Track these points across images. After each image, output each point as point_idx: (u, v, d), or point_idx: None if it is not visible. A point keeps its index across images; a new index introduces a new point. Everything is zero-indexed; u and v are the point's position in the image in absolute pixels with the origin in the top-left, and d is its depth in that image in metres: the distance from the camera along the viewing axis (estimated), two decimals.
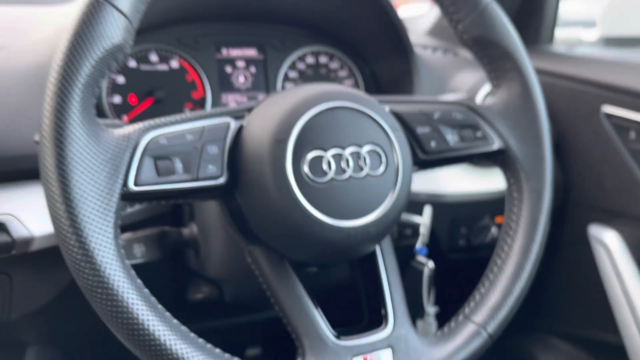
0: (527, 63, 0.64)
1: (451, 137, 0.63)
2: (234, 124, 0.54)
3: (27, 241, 0.68)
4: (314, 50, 0.98)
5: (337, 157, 0.52)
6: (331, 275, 0.71)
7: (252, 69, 0.95)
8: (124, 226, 0.67)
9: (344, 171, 0.52)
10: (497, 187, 0.96)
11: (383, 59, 0.98)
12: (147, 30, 0.86)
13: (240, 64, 0.94)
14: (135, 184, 0.48)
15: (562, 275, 1.07)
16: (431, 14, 1.25)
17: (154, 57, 0.88)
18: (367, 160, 0.54)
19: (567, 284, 1.08)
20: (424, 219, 0.85)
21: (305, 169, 0.51)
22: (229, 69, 0.93)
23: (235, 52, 0.93)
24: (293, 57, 0.96)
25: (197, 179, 0.51)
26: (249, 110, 0.56)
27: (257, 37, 0.94)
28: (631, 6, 1.11)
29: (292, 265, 0.58)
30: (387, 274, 0.61)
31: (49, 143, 0.46)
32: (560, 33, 1.15)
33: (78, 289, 0.78)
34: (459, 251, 1.02)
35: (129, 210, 0.73)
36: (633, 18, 1.11)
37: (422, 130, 0.62)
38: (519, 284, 0.61)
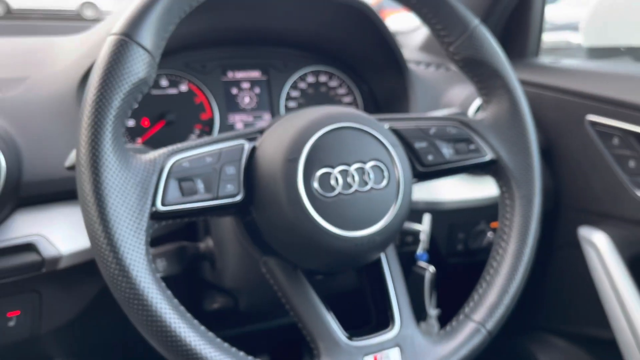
0: (514, 80, 0.70)
1: (446, 151, 0.68)
2: (247, 146, 0.59)
3: (56, 260, 0.73)
4: (314, 70, 1.03)
5: (344, 173, 0.57)
6: (340, 282, 0.75)
7: (257, 90, 1.00)
8: None
9: (350, 186, 0.57)
10: (491, 193, 1.01)
11: (379, 76, 1.03)
12: None
13: (245, 85, 0.99)
14: (163, 204, 0.53)
15: (555, 276, 1.12)
16: (422, 29, 1.30)
17: (164, 82, 0.93)
18: (371, 175, 0.58)
19: (560, 284, 1.12)
20: (423, 227, 0.90)
21: (315, 184, 0.56)
22: (234, 91, 0.98)
23: (240, 75, 0.99)
24: (294, 77, 1.02)
25: (217, 198, 0.56)
26: (261, 132, 0.61)
27: (260, 59, 1.00)
28: (613, 17, 1.16)
29: (305, 274, 0.62)
30: (393, 279, 0.65)
31: (86, 170, 0.50)
32: (549, 37, 1.19)
33: (101, 305, 0.83)
34: (457, 255, 1.06)
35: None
36: (615, 29, 1.17)
37: (419, 145, 0.67)
38: (513, 284, 0.66)
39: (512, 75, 0.69)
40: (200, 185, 0.55)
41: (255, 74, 1.00)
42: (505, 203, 0.70)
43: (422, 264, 0.89)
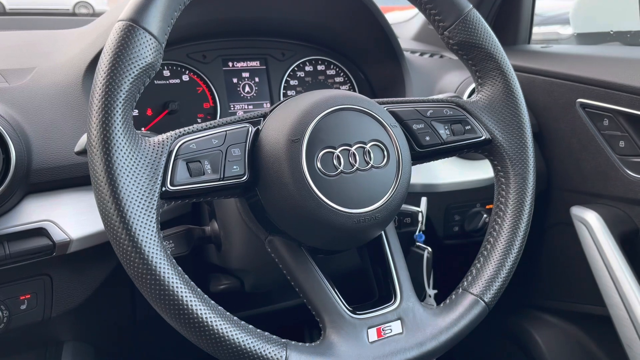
0: (507, 62, 0.72)
1: (443, 132, 0.70)
2: (251, 129, 0.61)
3: (66, 244, 0.75)
4: (312, 59, 1.05)
5: (345, 153, 0.59)
6: (342, 262, 0.77)
7: (256, 79, 1.02)
8: None
9: (351, 165, 0.59)
10: (486, 176, 1.05)
11: (376, 64, 1.06)
12: None
13: (245, 74, 1.01)
14: (172, 184, 0.55)
15: (549, 255, 1.15)
16: (415, 20, 1.33)
17: (166, 72, 0.95)
18: (372, 155, 0.60)
19: (553, 263, 1.15)
20: (421, 208, 0.92)
21: (318, 164, 0.58)
22: (235, 80, 1.00)
23: (240, 64, 1.01)
24: (293, 66, 1.04)
25: (223, 178, 0.58)
26: (264, 116, 0.63)
27: (259, 49, 1.02)
28: (597, 4, 1.19)
29: (308, 252, 0.64)
30: (393, 255, 0.68)
31: (98, 151, 0.52)
32: (538, 30, 1.22)
33: (111, 288, 0.85)
34: (453, 237, 1.09)
35: (164, 208, 0.80)
36: (600, 15, 1.19)
37: (417, 126, 0.69)
38: (510, 258, 0.68)
39: (505, 57, 0.72)
40: (207, 166, 0.57)
41: (255, 64, 1.02)
42: (501, 181, 0.72)
43: (420, 244, 0.91)
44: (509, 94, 0.72)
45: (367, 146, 0.61)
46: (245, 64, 1.01)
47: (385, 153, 0.62)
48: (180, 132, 0.58)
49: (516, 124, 0.72)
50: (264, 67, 1.03)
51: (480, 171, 1.05)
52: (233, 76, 1.00)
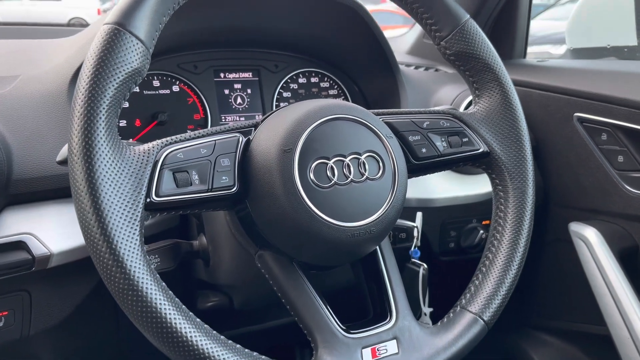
0: (505, 74, 0.70)
1: (440, 144, 0.68)
2: (242, 138, 0.59)
3: (46, 258, 0.72)
4: (305, 71, 1.04)
5: (339, 164, 0.57)
6: (336, 279, 0.75)
7: (249, 90, 1.00)
8: None
9: (346, 177, 0.57)
10: (482, 191, 1.03)
11: (370, 77, 1.04)
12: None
13: (237, 86, 0.99)
14: (157, 195, 0.52)
15: (547, 273, 1.13)
16: (409, 34, 1.32)
17: (156, 82, 0.93)
18: (367, 166, 0.58)
19: (552, 281, 1.13)
20: (416, 223, 0.90)
21: (311, 175, 0.56)
22: (226, 91, 0.98)
23: (232, 76, 0.99)
24: (286, 78, 1.02)
25: (212, 189, 0.55)
26: (255, 126, 0.61)
27: (251, 61, 1.01)
28: (593, 19, 1.19)
29: (300, 268, 0.62)
30: (388, 272, 0.65)
31: (79, 159, 0.49)
32: (530, 50, 1.22)
33: (92, 305, 0.82)
34: (449, 253, 1.07)
35: (146, 222, 0.78)
36: (596, 30, 1.19)
37: (413, 138, 0.67)
38: (510, 274, 0.66)
39: (502, 68, 0.70)
40: (194, 177, 0.55)
41: (247, 75, 1.00)
42: (499, 195, 0.70)
43: (416, 260, 0.89)
44: (507, 105, 0.70)
45: (362, 157, 0.59)
46: (237, 75, 0.99)
47: (381, 164, 0.60)
48: (167, 141, 0.56)
49: (515, 136, 0.70)
50: (257, 78, 1.01)
51: (476, 186, 1.03)
52: (225, 87, 0.99)
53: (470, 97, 0.99)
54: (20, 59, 0.86)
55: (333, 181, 0.57)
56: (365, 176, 0.58)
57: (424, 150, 0.68)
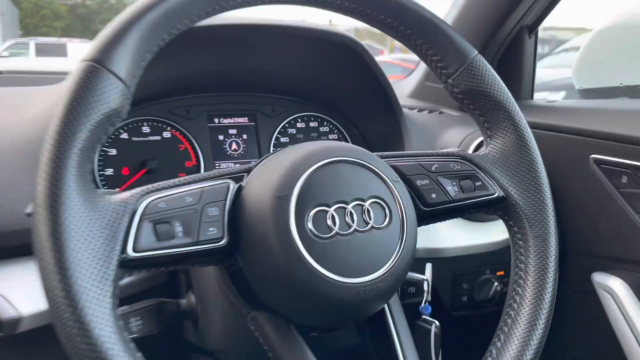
0: (518, 111, 0.65)
1: (451, 188, 0.63)
2: (233, 185, 0.53)
3: (15, 322, 0.65)
4: (304, 115, 0.99)
5: (341, 212, 0.51)
6: (338, 340, 0.68)
7: (244, 136, 0.95)
8: (119, 300, 0.65)
9: (348, 226, 0.51)
10: (495, 239, 0.97)
11: (372, 120, 1.00)
12: (139, 103, 0.87)
13: (232, 131, 0.95)
14: (134, 250, 0.46)
15: (569, 328, 1.05)
16: (410, 79, 1.29)
17: (146, 129, 0.88)
18: (372, 214, 0.53)
19: (575, 336, 1.05)
20: (426, 276, 0.83)
21: (309, 225, 0.50)
22: (221, 137, 0.94)
23: (226, 121, 0.95)
24: (283, 122, 0.98)
25: (198, 242, 0.49)
26: (248, 171, 0.55)
27: (247, 105, 0.97)
28: (603, 58, 1.15)
29: (299, 330, 0.56)
30: (398, 332, 0.59)
31: (43, 210, 0.43)
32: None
33: None
34: (462, 308, 1.00)
35: (127, 280, 0.71)
36: (606, 69, 1.15)
37: (421, 182, 0.61)
38: (536, 334, 0.58)
39: (515, 106, 0.65)
40: (178, 229, 0.49)
41: (243, 120, 0.96)
42: (518, 244, 0.63)
43: (427, 317, 0.81)
44: (522, 146, 0.65)
45: (366, 204, 0.53)
46: (232, 121, 0.95)
47: (387, 212, 0.54)
48: (148, 189, 0.50)
49: (532, 179, 0.64)
50: (253, 123, 0.97)
51: (489, 234, 0.97)
52: (219, 133, 0.94)
53: (480, 139, 0.93)
54: (2, 105, 0.81)
55: (334, 231, 0.51)
56: (370, 225, 0.53)
57: (433, 195, 0.62)
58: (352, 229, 0.51)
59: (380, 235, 0.53)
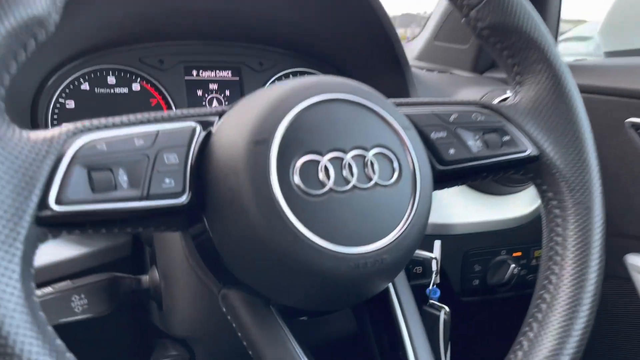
0: (556, 52, 0.53)
1: (473, 143, 0.51)
2: (199, 129, 0.42)
3: None
4: (296, 72, 0.88)
5: (337, 163, 0.41)
6: (331, 325, 0.57)
7: (227, 92, 0.84)
8: (65, 275, 0.54)
9: (346, 181, 0.40)
10: (513, 214, 0.86)
11: (374, 77, 0.87)
12: (103, 48, 0.76)
13: (213, 86, 0.83)
14: (59, 202, 0.35)
15: (601, 316, 0.95)
16: (417, 40, 1.18)
17: (111, 79, 0.77)
18: (376, 167, 0.42)
19: (608, 325, 0.94)
20: (435, 254, 0.72)
21: (296, 178, 0.39)
22: (199, 92, 0.82)
23: (206, 74, 0.84)
24: (273, 78, 0.86)
25: (148, 197, 0.38)
26: (220, 114, 0.43)
27: (231, 57, 0.85)
28: (630, 18, 1.04)
29: (281, 313, 0.46)
30: (406, 317, 0.49)
31: None
32: None
33: None
34: (473, 292, 0.90)
35: (77, 252, 0.59)
36: (631, 31, 1.04)
37: (437, 135, 0.50)
38: (579, 322, 0.47)
39: (553, 46, 0.53)
40: (122, 178, 0.38)
41: (226, 74, 0.85)
42: (554, 213, 0.52)
43: (435, 302, 0.71)
44: (560, 93, 0.53)
45: (369, 154, 0.42)
46: (213, 74, 0.84)
47: (396, 164, 0.43)
48: (83, 126, 0.38)
49: (572, 133, 0.53)
50: (237, 78, 0.85)
51: (505, 208, 0.86)
52: (197, 87, 0.82)
53: (503, 95, 0.81)
54: None
55: (327, 186, 0.40)
56: (373, 180, 0.42)
57: (451, 151, 0.50)
58: (350, 184, 0.41)
59: (387, 194, 0.42)
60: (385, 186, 0.42)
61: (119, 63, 0.77)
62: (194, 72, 0.82)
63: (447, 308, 0.71)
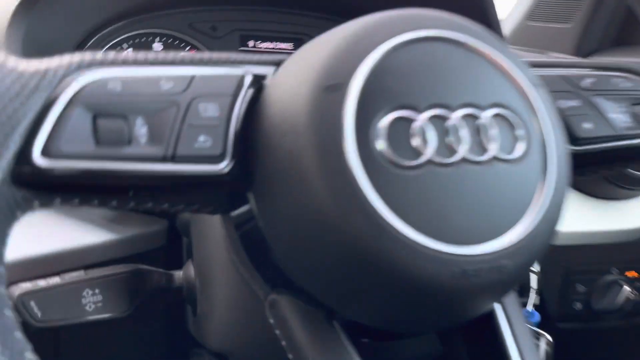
0: None
1: (616, 116, 0.41)
2: (249, 78, 0.32)
3: None
4: None
5: (439, 124, 0.31)
6: (407, 346, 0.47)
7: None
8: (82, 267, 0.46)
9: (451, 150, 0.31)
10: (631, 226, 0.77)
11: None
12: (149, 10, 0.72)
13: None
14: (47, 154, 0.27)
15: None
16: (507, 21, 1.09)
17: (157, 45, 0.72)
18: (494, 133, 0.32)
19: None
20: (534, 269, 0.61)
21: (380, 142, 0.29)
22: None
23: (264, 45, 0.79)
24: None
25: (174, 158, 0.29)
26: (278, 64, 0.34)
27: (293, 27, 0.79)
28: None
29: (345, 329, 0.36)
30: (519, 345, 0.38)
31: None
32: None
33: None
34: (573, 318, 0.81)
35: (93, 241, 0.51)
36: None
37: (567, 104, 0.40)
38: None
39: None
40: (140, 130, 0.29)
41: (286, 46, 0.78)
42: None
43: (534, 328, 0.61)
44: None
45: (485, 115, 0.32)
46: (272, 45, 0.77)
47: (521, 133, 0.33)
48: (93, 59, 0.30)
49: None
50: None
51: (621, 217, 0.78)
52: None
53: None
54: None
55: (424, 156, 0.30)
56: (490, 153, 0.31)
57: (586, 125, 0.40)
58: (457, 156, 0.31)
59: (508, 174, 0.32)
60: (506, 161, 0.32)
61: (166, 28, 0.72)
62: (250, 43, 0.77)
63: (548, 337, 0.61)
